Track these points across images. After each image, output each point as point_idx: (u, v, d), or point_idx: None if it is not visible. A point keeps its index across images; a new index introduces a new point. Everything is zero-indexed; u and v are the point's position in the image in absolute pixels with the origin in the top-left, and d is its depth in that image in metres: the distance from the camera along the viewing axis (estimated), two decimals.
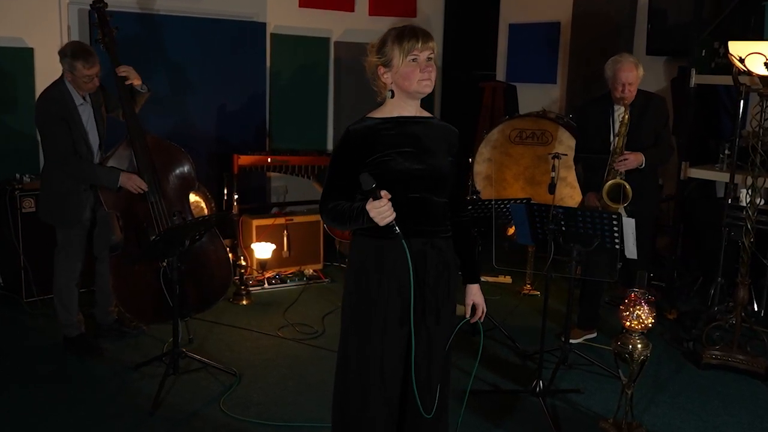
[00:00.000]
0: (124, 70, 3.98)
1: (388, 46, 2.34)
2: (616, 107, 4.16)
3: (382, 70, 2.38)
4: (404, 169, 2.33)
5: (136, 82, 4.01)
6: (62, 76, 3.87)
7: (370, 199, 2.22)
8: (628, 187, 4.06)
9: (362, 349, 2.44)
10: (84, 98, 3.92)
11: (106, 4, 4.09)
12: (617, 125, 4.16)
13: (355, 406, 2.48)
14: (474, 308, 2.58)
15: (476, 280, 2.59)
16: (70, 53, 3.77)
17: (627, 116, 4.07)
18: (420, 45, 2.30)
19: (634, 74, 4.03)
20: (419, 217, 2.38)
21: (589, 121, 4.37)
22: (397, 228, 2.24)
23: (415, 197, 2.35)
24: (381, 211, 2.21)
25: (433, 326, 2.45)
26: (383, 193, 2.21)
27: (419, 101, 2.43)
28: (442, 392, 2.56)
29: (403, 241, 2.25)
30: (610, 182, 4.12)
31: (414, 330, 2.42)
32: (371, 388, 2.44)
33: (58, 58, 3.82)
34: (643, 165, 4.11)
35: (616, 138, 4.12)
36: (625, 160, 4.07)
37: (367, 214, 2.23)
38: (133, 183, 3.91)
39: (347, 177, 2.36)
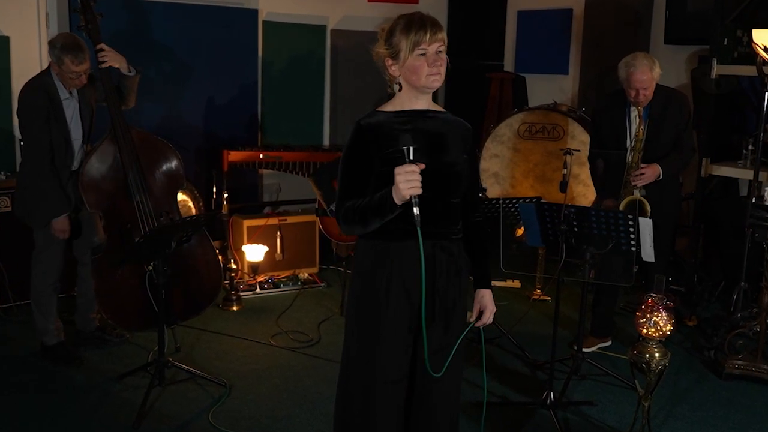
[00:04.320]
0: (103, 53, 3.93)
1: (395, 36, 2.33)
2: (632, 108, 4.17)
3: (389, 62, 2.37)
4: None
5: (116, 64, 3.97)
6: (49, 67, 3.88)
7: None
8: (646, 203, 4.06)
9: (368, 355, 2.45)
10: (70, 92, 3.93)
11: None
12: (633, 127, 4.17)
13: (360, 415, 2.49)
14: (481, 313, 2.56)
15: (488, 285, 2.58)
16: (59, 46, 3.77)
17: (643, 129, 4.08)
18: (428, 38, 2.29)
19: (648, 77, 4.03)
20: (430, 217, 2.33)
21: (603, 120, 4.37)
22: (416, 209, 2.18)
23: (426, 196, 2.26)
24: (409, 176, 2.16)
25: (442, 334, 2.45)
26: (418, 163, 2.18)
27: (430, 95, 2.43)
28: (455, 400, 2.59)
29: (419, 228, 2.19)
30: (627, 199, 4.12)
31: (424, 337, 2.42)
32: (377, 397, 2.44)
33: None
34: (661, 176, 4.11)
35: (632, 153, 4.13)
36: (641, 174, 4.08)
37: (390, 200, 2.20)
38: (60, 229, 3.90)
39: (362, 175, 2.35)
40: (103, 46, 3.95)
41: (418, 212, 2.19)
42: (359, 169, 2.36)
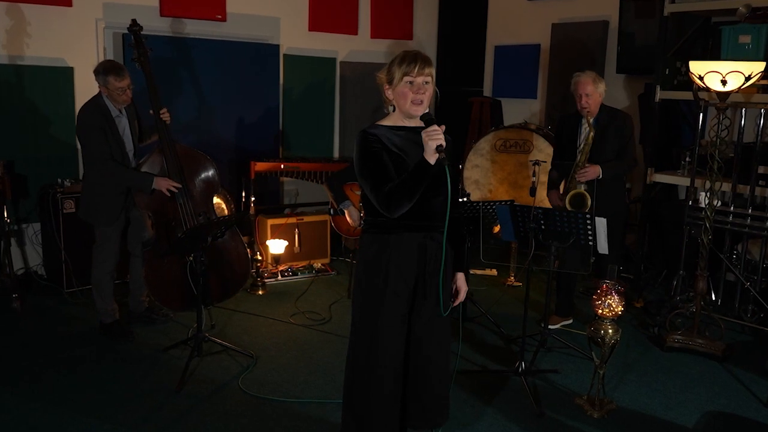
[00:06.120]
0: (166, 115, 3.99)
1: (393, 66, 2.38)
2: (583, 121, 4.17)
3: (386, 86, 2.41)
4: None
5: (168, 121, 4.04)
6: (99, 92, 3.87)
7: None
8: (587, 196, 4.08)
9: (371, 333, 2.47)
10: (120, 111, 3.92)
11: (141, 27, 4.08)
12: (582, 137, 4.17)
13: (366, 375, 2.50)
14: (457, 292, 2.64)
15: (462, 269, 2.65)
16: (102, 70, 3.77)
17: (592, 135, 4.08)
18: (416, 71, 2.33)
19: (590, 87, 4.05)
20: (421, 213, 2.40)
21: (563, 133, 4.38)
22: (443, 153, 2.24)
23: (421, 196, 2.35)
24: (434, 134, 2.22)
25: (431, 308, 2.50)
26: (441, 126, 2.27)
27: (417, 118, 2.44)
28: (446, 367, 2.61)
29: (446, 166, 2.25)
30: (572, 192, 4.12)
31: (416, 310, 2.49)
32: (379, 367, 2.48)
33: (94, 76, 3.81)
34: (601, 176, 4.10)
35: (580, 153, 4.13)
36: (585, 172, 4.09)
37: (424, 161, 2.23)
38: (166, 184, 3.91)
39: (384, 164, 2.34)
40: (165, 110, 3.99)
41: (444, 156, 2.24)
42: (380, 161, 2.35)
